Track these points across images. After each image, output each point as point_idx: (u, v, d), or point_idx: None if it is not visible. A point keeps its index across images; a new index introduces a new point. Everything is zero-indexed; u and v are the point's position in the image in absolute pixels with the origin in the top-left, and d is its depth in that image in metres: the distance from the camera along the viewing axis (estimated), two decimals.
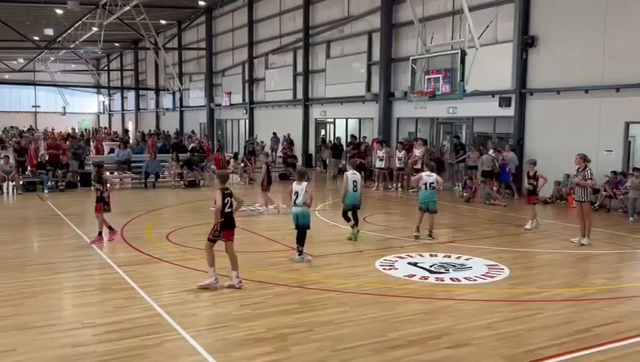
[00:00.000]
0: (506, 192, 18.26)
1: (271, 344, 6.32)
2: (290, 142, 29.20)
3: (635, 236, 12.80)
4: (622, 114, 16.13)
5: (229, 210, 8.44)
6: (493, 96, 19.61)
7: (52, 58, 55.34)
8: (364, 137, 24.82)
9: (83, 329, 6.73)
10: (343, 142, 26.69)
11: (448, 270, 9.60)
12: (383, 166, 20.98)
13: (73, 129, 51.09)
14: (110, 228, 11.63)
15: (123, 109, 62.12)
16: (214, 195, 8.44)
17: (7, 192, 18.95)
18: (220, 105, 39.72)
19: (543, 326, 6.96)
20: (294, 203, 10.17)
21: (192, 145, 28.03)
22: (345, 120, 28.45)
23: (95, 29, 37.13)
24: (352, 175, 11.92)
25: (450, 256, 10.51)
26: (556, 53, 17.77)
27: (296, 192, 10.14)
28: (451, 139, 22.17)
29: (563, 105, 17.70)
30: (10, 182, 19.22)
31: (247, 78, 35.92)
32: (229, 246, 8.48)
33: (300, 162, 27.52)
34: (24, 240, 12.25)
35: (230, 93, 37.88)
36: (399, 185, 20.80)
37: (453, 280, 8.99)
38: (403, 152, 20.62)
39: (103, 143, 33.51)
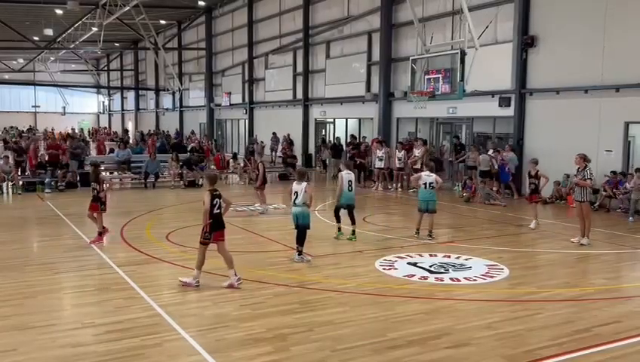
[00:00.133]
0: (506, 192, 18.27)
1: (271, 344, 6.32)
2: (289, 142, 29.20)
3: (634, 236, 12.80)
4: (621, 114, 16.13)
5: (218, 211, 8.48)
6: (493, 96, 19.62)
7: (52, 58, 55.37)
8: (364, 137, 24.82)
9: (83, 329, 6.74)
10: (343, 142, 26.69)
11: (448, 270, 9.60)
12: (382, 166, 20.98)
13: (73, 129, 51.09)
14: (100, 233, 11.45)
15: (123, 109, 62.14)
16: (203, 196, 8.44)
17: (7, 192, 18.95)
18: (219, 105, 39.72)
19: (542, 326, 6.97)
20: (294, 203, 10.18)
21: (191, 145, 28.06)
22: (345, 120, 28.45)
23: (95, 29, 37.15)
24: (346, 175, 12.05)
25: (449, 256, 10.51)
26: (556, 53, 17.77)
27: (296, 192, 10.15)
28: (451, 139, 22.18)
29: (563, 106, 17.70)
30: (9, 182, 19.22)
31: (247, 78, 35.93)
32: (220, 246, 8.54)
33: (299, 162, 27.53)
34: (24, 241, 12.25)
35: (230, 93, 37.89)
36: (399, 185, 20.80)
37: (453, 280, 9.00)
38: (403, 152, 20.62)
39: (105, 143, 33.56)
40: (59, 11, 35.47)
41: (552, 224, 14.03)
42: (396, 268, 9.66)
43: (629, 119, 16.14)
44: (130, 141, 33.37)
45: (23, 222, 14.56)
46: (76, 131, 46.19)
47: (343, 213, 12.07)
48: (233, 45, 37.80)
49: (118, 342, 6.33)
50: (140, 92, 55.93)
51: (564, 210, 16.38)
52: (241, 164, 24.10)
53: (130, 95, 58.94)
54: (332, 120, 29.47)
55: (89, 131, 57.60)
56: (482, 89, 19.38)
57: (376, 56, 24.98)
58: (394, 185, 20.95)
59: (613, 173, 16.18)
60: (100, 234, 11.45)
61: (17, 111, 64.12)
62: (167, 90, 43.50)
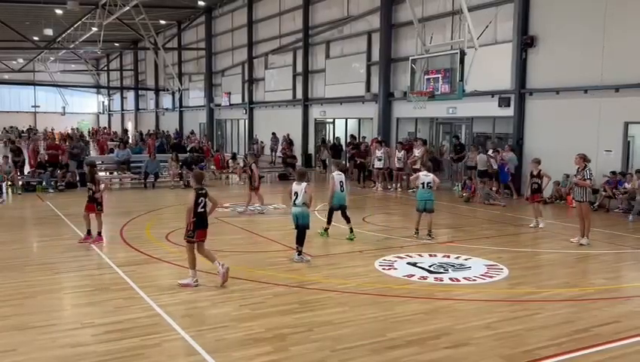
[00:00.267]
0: (505, 192, 18.27)
1: (270, 344, 6.32)
2: (289, 143, 29.22)
3: (634, 236, 12.80)
4: (621, 114, 16.14)
5: (202, 209, 8.50)
6: (493, 96, 19.63)
7: (52, 58, 55.39)
8: (364, 137, 24.83)
9: (83, 330, 6.74)
10: (343, 142, 26.72)
11: (447, 270, 9.61)
12: (381, 166, 21.00)
13: (73, 129, 51.11)
14: (89, 231, 11.48)
15: (122, 109, 62.17)
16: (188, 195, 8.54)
17: (7, 192, 18.95)
18: (219, 105, 39.73)
19: (542, 326, 6.97)
20: (294, 203, 10.19)
21: (191, 145, 28.08)
22: (344, 120, 28.46)
23: (95, 29, 37.17)
24: (337, 175, 12.09)
25: (449, 256, 10.51)
26: (555, 54, 17.78)
27: (296, 193, 10.16)
28: (451, 139, 22.19)
29: (562, 106, 17.71)
30: (9, 182, 19.22)
31: (246, 78, 35.94)
32: (200, 246, 8.58)
33: (299, 162, 27.54)
34: (24, 241, 12.25)
35: (230, 93, 37.90)
36: (399, 185, 20.81)
37: (453, 280, 9.00)
38: (402, 152, 20.62)
39: (107, 143, 33.61)
40: (59, 11, 35.48)
41: (552, 224, 14.02)
42: (396, 268, 9.66)
43: (629, 119, 16.14)
44: (130, 141, 33.38)
45: (23, 222, 14.57)
46: (76, 131, 46.19)
47: (336, 213, 12.10)
48: (233, 45, 37.81)
49: (117, 342, 6.33)
50: (140, 92, 55.94)
51: (563, 210, 16.39)
52: (241, 165, 24.10)
53: (130, 95, 58.95)
54: (332, 120, 29.48)
55: (89, 131, 57.59)
56: (482, 89, 19.40)
57: (375, 56, 24.99)
58: (394, 185, 20.96)
59: (613, 173, 16.19)
60: (100, 233, 11.46)
61: (17, 112, 64.19)
62: (167, 90, 43.52)
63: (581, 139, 16.43)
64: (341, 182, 12.05)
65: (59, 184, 19.85)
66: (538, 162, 13.50)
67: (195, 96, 44.14)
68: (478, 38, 17.16)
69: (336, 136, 28.01)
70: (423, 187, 12.16)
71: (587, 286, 8.89)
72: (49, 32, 39.56)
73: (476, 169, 18.35)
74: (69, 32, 42.12)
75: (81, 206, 11.82)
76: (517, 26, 18.66)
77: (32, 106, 64.78)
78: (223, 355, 6.02)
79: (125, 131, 51.00)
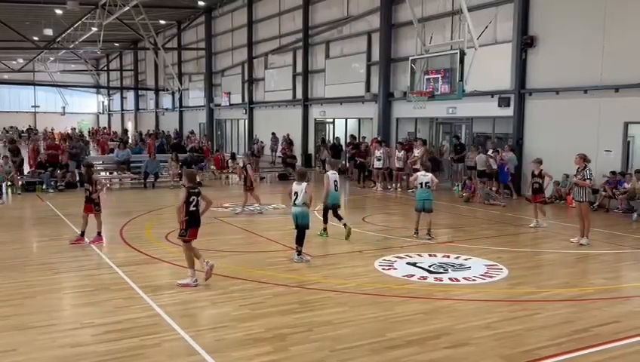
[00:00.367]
0: (505, 192, 18.27)
1: (270, 344, 6.33)
2: (289, 143, 29.21)
3: (634, 236, 12.81)
4: (621, 114, 16.14)
5: (195, 208, 8.53)
6: (493, 97, 19.62)
7: (51, 58, 55.38)
8: (364, 137, 24.83)
9: (82, 330, 6.74)
10: (343, 142, 26.72)
11: (447, 270, 9.61)
12: (380, 166, 21.01)
13: (73, 129, 51.11)
14: (83, 233, 11.45)
15: (122, 109, 62.15)
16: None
17: (7, 192, 18.95)
18: (219, 105, 39.73)
19: (541, 326, 6.98)
20: (294, 203, 10.19)
21: (191, 145, 28.08)
22: (344, 120, 28.46)
23: (94, 29, 37.16)
24: (332, 175, 12.16)
25: (449, 256, 10.52)
26: (555, 54, 17.78)
27: (296, 193, 10.17)
28: (451, 139, 22.20)
29: (562, 106, 17.71)
30: (8, 182, 19.21)
31: (246, 78, 35.93)
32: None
33: (299, 162, 27.54)
34: (24, 241, 12.25)
35: (230, 93, 37.89)
36: (399, 185, 20.81)
37: (452, 280, 9.01)
38: (402, 152, 20.63)
39: (108, 143, 33.61)
40: (58, 11, 35.47)
41: (552, 224, 14.02)
42: (395, 268, 9.67)
43: (629, 119, 16.14)
44: (130, 141, 33.38)
45: (23, 222, 14.58)
46: (76, 131, 46.20)
47: (331, 213, 12.14)
48: (233, 45, 37.80)
49: (117, 342, 6.34)
50: (140, 92, 55.93)
51: (563, 210, 16.39)
52: (240, 165, 24.07)
53: (130, 95, 58.94)
54: (332, 120, 29.48)
55: (89, 131, 57.60)
56: (482, 89, 19.40)
57: (375, 56, 24.99)
58: (393, 185, 20.96)
59: (613, 173, 16.19)
60: (99, 233, 11.45)
61: (17, 112, 64.16)
62: (167, 90, 43.52)
63: (581, 139, 16.43)
64: (335, 181, 12.13)
65: (59, 184, 19.86)
66: (540, 162, 13.51)
67: (195, 96, 44.14)
68: (477, 38, 17.16)
69: (336, 136, 28.01)
70: (422, 187, 12.19)
71: (587, 286, 8.90)
72: (49, 32, 39.55)
73: (476, 169, 18.35)
74: (68, 32, 42.12)
75: (80, 206, 11.82)
76: (517, 26, 18.66)
77: (32, 106, 64.77)
78: (222, 355, 6.02)
79: (125, 131, 50.97)
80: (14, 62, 58.59)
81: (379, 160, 21.00)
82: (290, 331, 6.69)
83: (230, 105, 37.91)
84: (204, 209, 8.79)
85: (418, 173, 12.63)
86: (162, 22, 41.95)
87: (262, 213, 15.31)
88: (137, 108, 57.26)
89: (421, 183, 12.19)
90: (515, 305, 7.86)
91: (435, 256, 10.59)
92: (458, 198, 18.67)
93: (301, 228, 10.10)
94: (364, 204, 18.22)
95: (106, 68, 64.96)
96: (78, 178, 20.83)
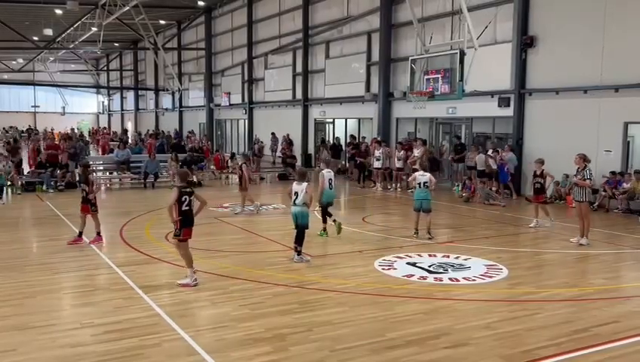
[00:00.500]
0: (505, 192, 18.27)
1: (270, 344, 6.33)
2: (289, 143, 29.21)
3: (633, 236, 12.81)
4: (621, 114, 16.14)
5: (187, 208, 8.54)
6: (492, 97, 19.63)
7: (51, 58, 55.37)
8: (364, 137, 24.84)
9: (82, 330, 6.74)
10: (343, 142, 26.72)
11: (447, 270, 9.61)
12: (379, 166, 21.03)
13: (72, 129, 51.09)
14: (81, 233, 11.44)
15: (122, 109, 62.15)
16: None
17: (7, 192, 18.94)
18: (219, 105, 39.73)
19: (541, 326, 6.98)
20: (294, 203, 10.20)
21: (190, 145, 28.08)
22: (344, 120, 28.46)
23: (94, 29, 37.15)
24: (327, 173, 12.27)
25: (449, 256, 10.52)
26: (555, 54, 17.78)
27: (296, 192, 10.18)
28: (451, 139, 22.20)
29: (562, 106, 17.71)
30: (8, 182, 19.20)
31: (246, 78, 35.93)
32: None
33: (299, 162, 27.54)
34: (24, 241, 12.26)
35: (229, 93, 37.89)
36: (399, 185, 20.81)
37: (452, 281, 9.01)
38: (402, 152, 20.63)
39: (109, 143, 33.61)
40: (58, 11, 35.47)
41: (554, 224, 14.01)
42: (395, 268, 9.67)
43: (629, 119, 16.15)
44: (130, 141, 33.37)
45: (23, 222, 14.58)
46: (75, 131, 46.18)
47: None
48: (233, 45, 37.80)
49: (117, 342, 6.34)
50: (140, 92, 55.93)
51: (563, 210, 16.38)
52: (239, 164, 24.06)
53: (130, 95, 58.93)
54: (331, 120, 29.49)
55: (89, 132, 57.58)
56: (481, 89, 19.41)
57: (375, 56, 24.99)
58: (393, 185, 20.96)
59: (613, 173, 16.19)
60: (99, 233, 11.45)
61: (17, 111, 64.14)
62: (167, 90, 43.50)
63: (581, 139, 16.44)
64: (330, 179, 12.26)
65: (59, 184, 19.86)
66: (542, 162, 13.53)
67: (195, 96, 44.13)
68: (477, 38, 17.16)
69: (335, 136, 28.00)
70: (420, 187, 12.21)
71: (586, 287, 8.90)
72: (49, 32, 39.55)
73: (476, 169, 18.36)
74: (68, 32, 42.12)
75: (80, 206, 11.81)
76: (517, 26, 18.66)
77: (32, 106, 64.75)
78: (222, 355, 6.02)
79: (125, 131, 50.95)
80: (14, 62, 58.58)
81: (378, 160, 21.02)
82: (290, 331, 6.69)
83: (230, 105, 37.91)
84: (199, 209, 8.81)
85: (416, 173, 12.68)
86: (162, 22, 41.95)
87: (254, 213, 15.20)
88: (137, 109, 57.26)
89: (419, 183, 12.21)
90: (515, 305, 7.87)
91: (434, 256, 10.60)
92: (458, 198, 18.67)
93: (301, 227, 10.11)
94: (364, 204, 18.22)
95: (105, 68, 64.94)
96: (77, 178, 20.83)
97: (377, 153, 21.02)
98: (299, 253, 10.06)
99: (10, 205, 17.27)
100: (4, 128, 56.55)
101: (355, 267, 9.86)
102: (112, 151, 27.01)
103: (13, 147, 23.15)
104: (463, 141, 21.18)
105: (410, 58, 19.08)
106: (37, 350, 6.15)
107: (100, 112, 70.26)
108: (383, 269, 9.61)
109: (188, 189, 8.62)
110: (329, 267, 9.85)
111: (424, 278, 9.08)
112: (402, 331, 6.72)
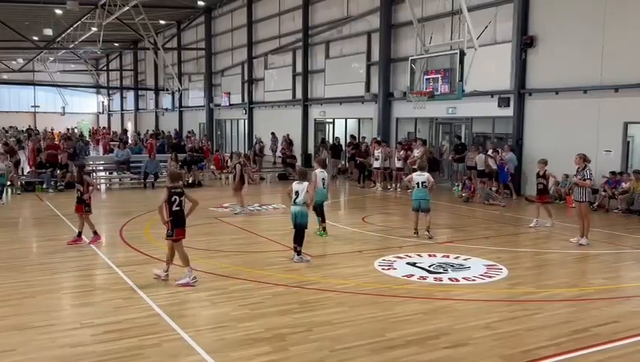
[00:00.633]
0: (505, 192, 18.27)
1: (269, 344, 6.33)
2: (289, 143, 29.22)
3: (633, 236, 12.80)
4: (621, 114, 16.14)
5: (177, 208, 8.54)
6: (492, 97, 19.63)
7: (51, 58, 55.34)
8: (364, 137, 24.84)
9: (82, 330, 6.74)
10: (343, 142, 26.72)
11: (447, 270, 9.61)
12: (378, 166, 21.04)
13: (73, 129, 51.06)
14: (80, 233, 11.42)
15: (122, 109, 62.14)
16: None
17: (6, 192, 18.93)
18: (219, 105, 39.72)
19: (541, 326, 6.97)
20: (294, 202, 10.20)
21: (189, 145, 28.04)
22: (344, 120, 28.46)
23: (94, 29, 37.15)
24: (320, 173, 12.26)
25: (448, 256, 10.52)
26: (555, 54, 17.79)
27: (297, 191, 10.17)
28: (451, 139, 22.19)
29: (562, 106, 17.71)
30: (8, 182, 19.19)
31: (246, 78, 35.93)
32: (176, 245, 8.67)
33: (299, 162, 27.55)
34: (23, 241, 12.26)
35: (229, 93, 37.88)
36: (398, 185, 20.82)
37: (452, 281, 9.00)
38: (402, 152, 20.64)
39: (110, 144, 33.60)
40: (58, 11, 35.46)
41: (555, 224, 14.01)
42: (395, 268, 9.66)
43: (628, 119, 16.15)
44: (130, 141, 33.36)
45: (23, 222, 14.58)
46: (75, 131, 46.16)
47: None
48: (232, 45, 37.79)
49: (116, 342, 6.33)
50: (140, 92, 55.93)
51: (563, 210, 16.38)
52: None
53: (130, 95, 58.93)
54: (331, 120, 29.49)
55: (90, 132, 57.56)
56: (481, 89, 19.41)
57: (375, 56, 25.00)
58: (393, 185, 20.97)
59: (613, 173, 16.19)
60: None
61: (17, 111, 64.10)
62: (167, 90, 43.48)
63: (581, 139, 16.44)
64: (323, 179, 12.28)
65: (58, 184, 19.86)
66: (545, 162, 13.54)
67: (195, 96, 44.13)
68: (477, 38, 17.16)
69: (335, 136, 28.00)
70: (418, 186, 12.22)
71: (586, 286, 8.90)
72: (48, 32, 39.54)
73: (476, 169, 18.36)
74: (68, 32, 42.10)
75: None
76: (516, 26, 18.66)
77: (32, 106, 64.71)
78: (222, 355, 6.02)
79: (125, 131, 50.93)
80: (14, 62, 58.52)
81: (377, 160, 21.04)
82: (290, 331, 6.69)
83: (230, 105, 37.90)
84: (190, 209, 8.81)
85: (413, 174, 12.73)
86: (162, 22, 41.94)
87: (237, 214, 15.16)
88: (137, 109, 57.26)
89: (417, 183, 12.22)
90: (515, 305, 7.86)
91: (434, 256, 10.59)
92: (458, 198, 18.67)
93: (300, 227, 10.11)
94: (364, 204, 18.22)
95: (105, 68, 64.90)
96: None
97: (377, 153, 21.04)
98: (299, 253, 10.06)
99: (10, 205, 17.27)
100: (3, 128, 56.55)
101: (355, 267, 9.86)
102: (111, 151, 27.02)
103: (11, 148, 23.11)
104: (463, 141, 21.18)
105: (410, 58, 19.08)
106: (36, 350, 6.15)
107: (99, 112, 70.25)
108: (382, 269, 9.61)
109: (178, 189, 8.62)
110: (329, 267, 9.85)
111: (424, 278, 9.07)
112: (402, 331, 6.72)
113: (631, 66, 15.65)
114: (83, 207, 11.36)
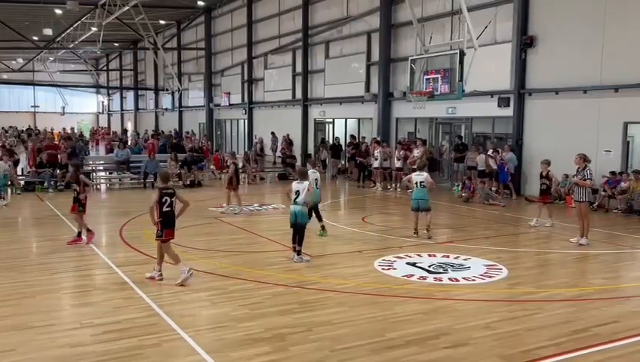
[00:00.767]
0: (505, 192, 18.27)
1: (269, 344, 6.32)
2: (289, 143, 29.22)
3: (633, 236, 12.80)
4: (620, 114, 16.14)
5: (169, 209, 8.58)
6: (492, 97, 19.62)
7: (51, 58, 55.34)
8: (364, 137, 24.84)
9: (82, 330, 6.74)
10: (343, 142, 26.71)
11: (447, 270, 9.60)
12: (377, 165, 21.04)
13: (72, 129, 51.00)
14: (79, 233, 11.46)
15: (122, 109, 62.15)
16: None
17: (6, 192, 18.92)
18: (219, 105, 39.72)
19: (541, 326, 6.97)
20: (294, 201, 10.20)
21: (189, 145, 28.03)
22: (344, 120, 28.46)
23: (94, 29, 37.14)
24: (312, 173, 12.28)
25: (448, 256, 10.51)
26: (555, 54, 17.78)
27: (297, 191, 10.17)
28: (451, 139, 22.18)
29: (562, 106, 17.71)
30: (8, 182, 19.19)
31: (246, 78, 35.92)
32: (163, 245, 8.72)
33: (298, 162, 27.53)
34: (23, 241, 12.25)
35: (229, 93, 37.87)
36: (398, 185, 20.81)
37: (452, 281, 9.00)
38: (402, 152, 20.64)
39: (111, 144, 33.55)
40: (58, 11, 35.45)
41: (555, 224, 14.01)
42: (395, 268, 9.66)
43: (628, 119, 16.14)
44: (129, 141, 33.35)
45: (22, 222, 14.57)
46: (75, 132, 46.09)
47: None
48: (232, 45, 37.79)
49: (116, 341, 6.33)
50: (140, 92, 55.93)
51: (563, 210, 16.37)
52: (240, 164, 24.07)
53: (130, 95, 58.93)
54: (331, 120, 29.48)
55: (90, 132, 57.52)
56: (481, 89, 19.40)
57: (375, 56, 24.99)
58: (393, 185, 20.96)
59: (613, 173, 16.19)
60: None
61: (17, 111, 64.07)
62: (167, 90, 43.47)
63: (581, 139, 16.44)
64: (316, 179, 12.33)
65: (58, 184, 19.85)
66: (547, 163, 13.57)
67: (195, 96, 44.12)
68: (477, 38, 17.15)
69: (335, 136, 28.00)
70: (417, 186, 12.23)
71: (586, 286, 8.89)
72: (48, 31, 39.53)
73: (476, 169, 18.36)
74: (68, 32, 42.09)
75: None
76: (516, 26, 18.65)
77: (32, 106, 64.70)
78: (221, 355, 6.01)
79: (125, 131, 50.92)
80: (14, 62, 58.52)
81: (376, 159, 21.04)
82: (290, 331, 6.69)
83: (230, 105, 37.89)
84: (181, 210, 8.84)
85: (412, 175, 12.75)
86: (162, 22, 41.93)
87: (225, 214, 15.14)
88: (137, 108, 57.26)
89: (416, 183, 12.23)
90: (515, 305, 7.86)
91: (434, 256, 10.59)
92: (457, 198, 18.67)
93: (299, 226, 10.11)
94: (363, 204, 18.22)
95: (105, 68, 64.91)
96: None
97: (376, 153, 21.04)
98: (298, 252, 10.07)
99: (10, 205, 17.26)
100: (3, 128, 56.54)
101: (355, 267, 9.86)
102: (111, 151, 27.01)
103: (10, 148, 23.09)
104: (463, 141, 21.17)
105: (409, 58, 19.07)
106: (36, 350, 6.15)
107: (99, 112, 70.24)
108: (382, 269, 9.60)
109: (169, 190, 8.66)
110: (329, 267, 9.85)
111: (424, 278, 9.07)
112: (402, 331, 6.72)
113: (631, 66, 15.64)
114: (77, 206, 11.36)
